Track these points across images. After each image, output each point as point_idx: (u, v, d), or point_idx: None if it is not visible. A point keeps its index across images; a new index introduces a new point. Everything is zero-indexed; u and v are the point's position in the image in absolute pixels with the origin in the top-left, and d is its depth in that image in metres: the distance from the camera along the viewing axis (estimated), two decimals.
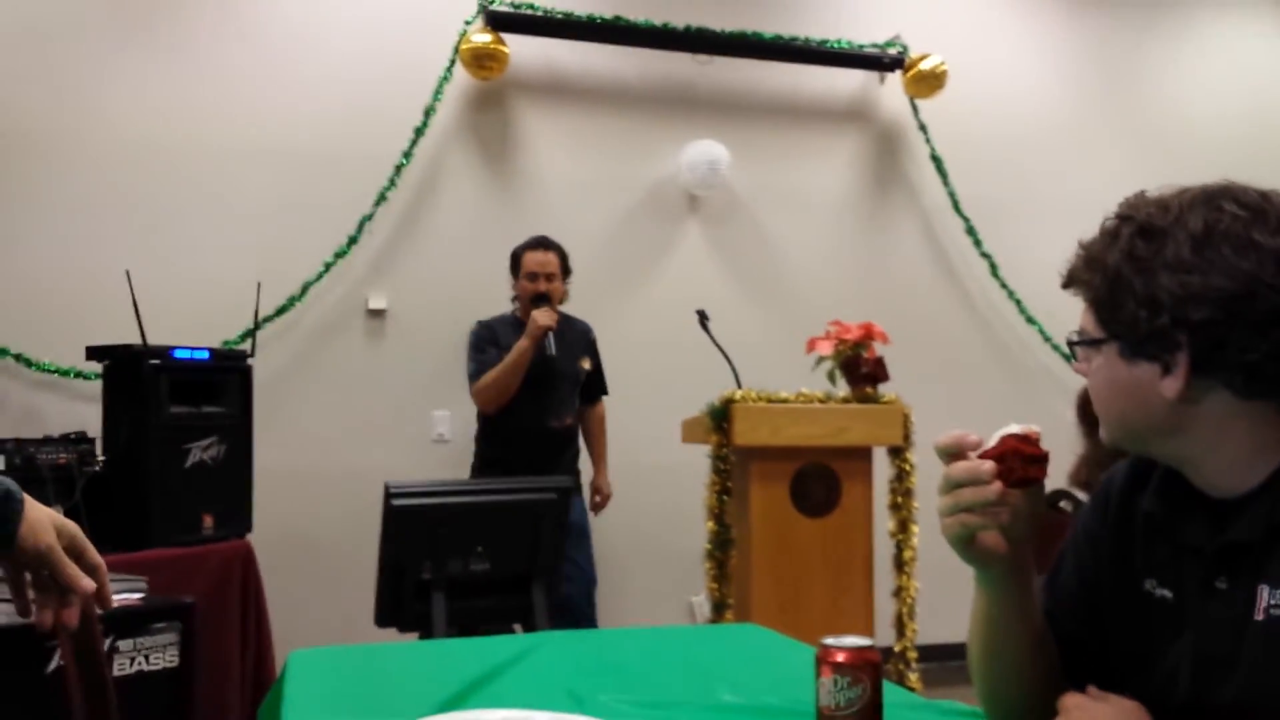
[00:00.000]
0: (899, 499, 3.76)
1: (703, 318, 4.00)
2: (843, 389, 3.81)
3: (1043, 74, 5.83)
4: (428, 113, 4.83)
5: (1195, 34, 6.10)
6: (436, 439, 4.83)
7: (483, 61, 4.83)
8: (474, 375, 4.09)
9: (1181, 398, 1.10)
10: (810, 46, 5.29)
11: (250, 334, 4.05)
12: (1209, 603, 1.12)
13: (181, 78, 4.60)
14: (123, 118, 4.52)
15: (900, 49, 5.39)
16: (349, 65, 4.80)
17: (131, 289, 3.53)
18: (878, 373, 3.78)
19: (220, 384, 3.65)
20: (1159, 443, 1.16)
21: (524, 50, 4.97)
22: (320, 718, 1.54)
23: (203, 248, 4.57)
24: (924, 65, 5.33)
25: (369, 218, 4.75)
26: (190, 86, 4.61)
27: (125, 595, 2.73)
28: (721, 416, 3.60)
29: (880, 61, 5.41)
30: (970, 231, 5.55)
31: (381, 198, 4.77)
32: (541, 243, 4.16)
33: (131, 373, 3.51)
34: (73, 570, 1.21)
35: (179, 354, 3.55)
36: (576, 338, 4.22)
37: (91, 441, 3.52)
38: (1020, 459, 1.13)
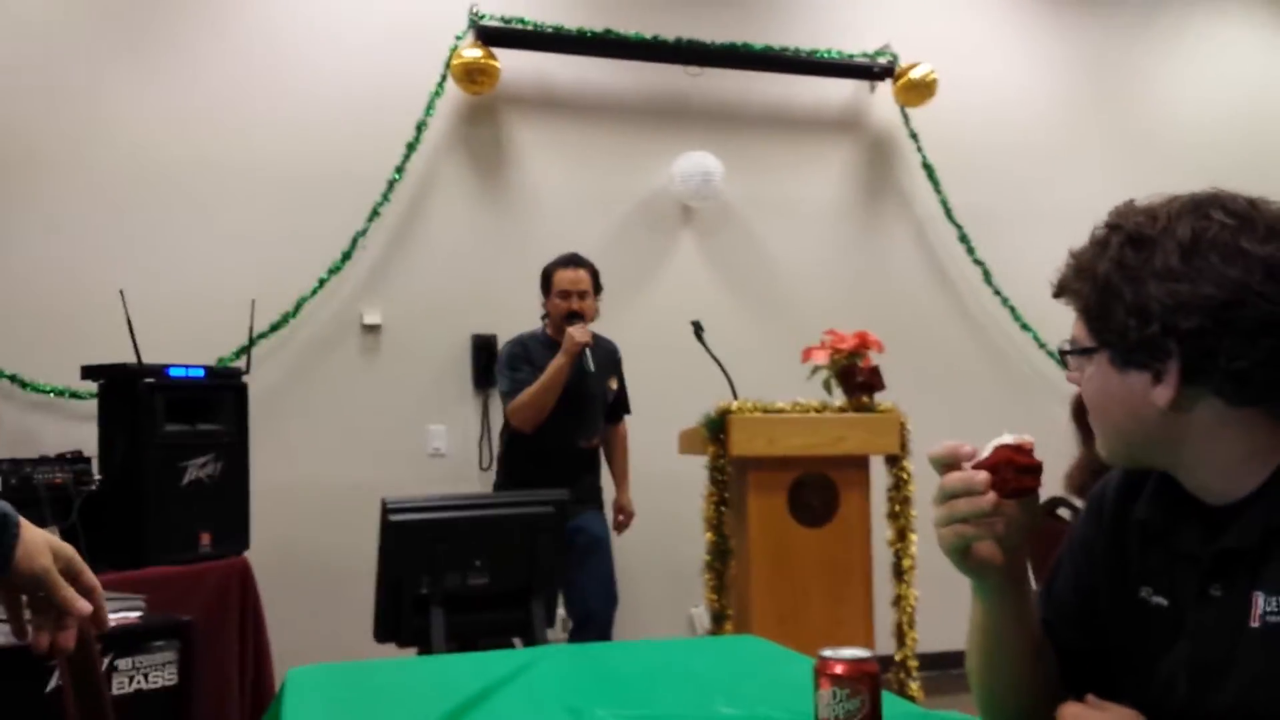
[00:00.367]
0: (897, 507, 3.76)
1: (698, 329, 4.01)
2: (839, 398, 3.81)
3: (1033, 81, 5.85)
4: (420, 128, 4.84)
5: (1186, 41, 6.12)
6: (433, 453, 4.83)
7: (474, 76, 4.84)
8: (509, 393, 4.02)
9: (1173, 406, 1.10)
10: (801, 57, 5.31)
11: (245, 351, 4.05)
12: (1205, 610, 1.12)
13: (175, 95, 4.61)
14: (117, 136, 4.53)
15: (890, 58, 5.41)
16: (342, 81, 4.81)
17: (125, 308, 3.53)
18: (873, 381, 3.78)
19: (216, 401, 3.65)
20: (1151, 451, 1.16)
21: (515, 64, 4.98)
22: None
23: (197, 265, 4.57)
24: (914, 74, 5.35)
25: (363, 233, 4.75)
26: (184, 104, 4.61)
27: (123, 614, 2.72)
28: (718, 427, 3.60)
29: (871, 71, 5.43)
30: (963, 239, 5.56)
31: (375, 213, 4.77)
32: (573, 260, 4.12)
33: (127, 392, 3.51)
34: (69, 593, 1.21)
35: (174, 372, 3.56)
36: (605, 357, 4.17)
37: (88, 461, 3.52)
38: (1014, 469, 1.14)
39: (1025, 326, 5.58)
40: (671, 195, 5.22)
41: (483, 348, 4.84)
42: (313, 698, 1.76)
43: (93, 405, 3.75)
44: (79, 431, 3.96)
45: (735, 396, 3.75)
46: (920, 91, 5.37)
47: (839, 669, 1.19)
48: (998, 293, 5.58)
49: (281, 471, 4.42)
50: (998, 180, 5.67)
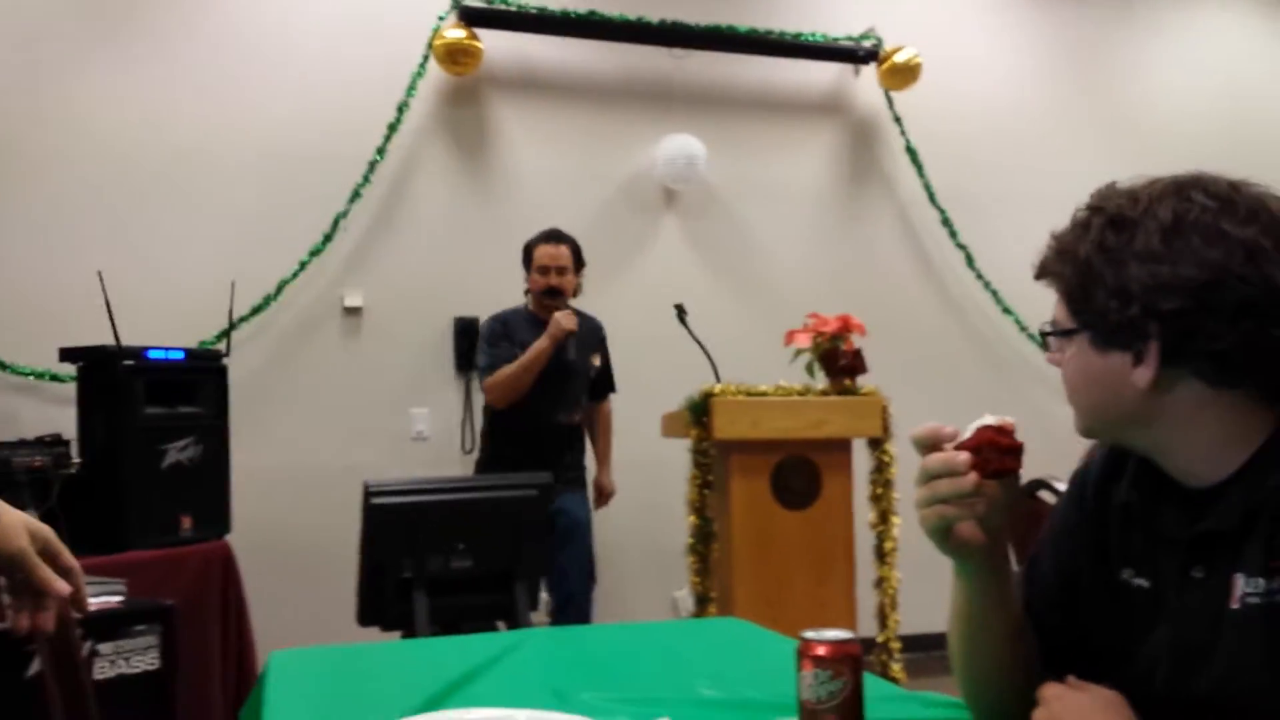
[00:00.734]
0: (879, 490, 3.78)
1: (681, 312, 4.01)
2: (821, 381, 3.82)
3: (1017, 65, 5.86)
4: (401, 109, 4.82)
5: (1169, 25, 6.14)
6: (415, 436, 4.82)
7: (456, 57, 4.81)
8: (486, 369, 4.03)
9: (1153, 387, 1.11)
10: (785, 40, 5.30)
11: (226, 334, 4.03)
12: (1185, 592, 1.12)
13: (153, 77, 4.57)
14: (95, 118, 4.49)
15: (875, 42, 5.40)
16: (322, 62, 4.78)
17: (104, 289, 3.50)
18: (856, 365, 3.80)
19: (196, 384, 3.64)
20: (1132, 432, 1.16)
21: (498, 45, 4.95)
22: (301, 718, 1.53)
23: (177, 248, 4.54)
24: (898, 58, 5.34)
25: (344, 215, 4.73)
26: (162, 86, 4.58)
27: (104, 598, 2.72)
28: (701, 410, 3.61)
29: (855, 54, 5.42)
30: (946, 223, 5.58)
31: (356, 195, 4.75)
32: (553, 235, 4.13)
33: (106, 374, 3.49)
34: (47, 574, 1.20)
35: (154, 355, 3.54)
36: (588, 334, 4.18)
37: (67, 444, 3.50)
38: (995, 450, 1.14)
39: (1007, 310, 5.60)
40: (655, 178, 5.21)
41: (465, 330, 4.82)
42: (295, 681, 1.75)
43: (73, 388, 3.72)
44: (59, 414, 3.94)
45: (718, 379, 3.76)
46: (904, 75, 5.37)
47: (821, 650, 1.19)
48: (980, 276, 5.60)
49: (263, 455, 4.40)
50: (981, 164, 5.68)
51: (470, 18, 4.86)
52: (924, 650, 3.97)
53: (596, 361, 4.22)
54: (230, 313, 4.00)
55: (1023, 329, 5.56)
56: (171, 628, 2.76)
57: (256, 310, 4.57)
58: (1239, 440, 1.11)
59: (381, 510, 2.72)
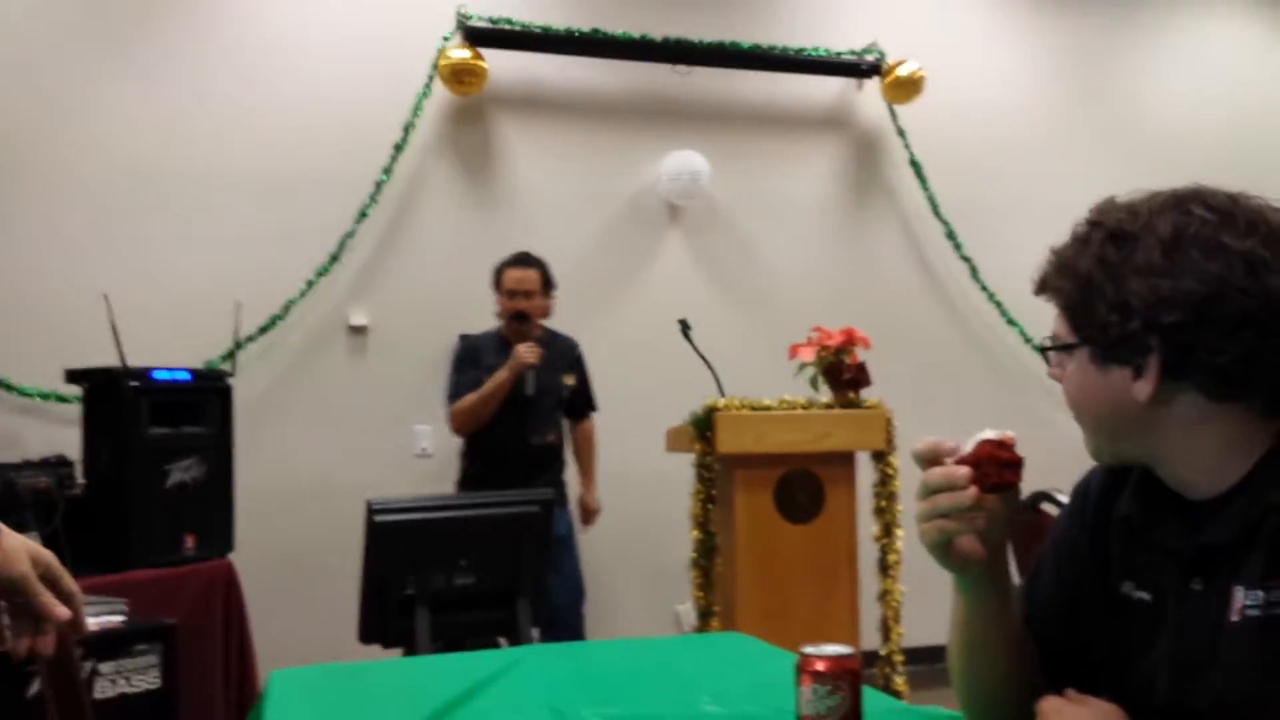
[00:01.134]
0: (882, 503, 3.76)
1: (685, 327, 4.00)
2: (825, 395, 3.81)
3: (1020, 77, 5.86)
4: (407, 129, 4.83)
5: (1171, 36, 6.14)
6: (419, 454, 4.82)
7: (461, 77, 4.83)
8: (451, 396, 4.11)
9: (1153, 401, 1.10)
10: (788, 55, 5.31)
11: (231, 354, 4.03)
12: (1186, 605, 1.12)
13: (159, 96, 4.59)
14: (102, 139, 4.51)
15: (877, 55, 5.41)
16: (328, 83, 4.79)
17: (110, 311, 3.51)
18: (860, 378, 3.78)
19: (200, 404, 3.64)
20: (1133, 446, 1.16)
21: (502, 65, 4.97)
22: None
23: (183, 268, 4.55)
24: (901, 71, 5.35)
25: (350, 235, 4.74)
26: (171, 107, 4.60)
27: (106, 618, 2.71)
28: (705, 425, 3.60)
29: (858, 68, 5.43)
30: (950, 235, 5.57)
31: (363, 215, 4.76)
32: (521, 260, 4.15)
33: (111, 395, 3.49)
34: (47, 598, 1.20)
35: (158, 375, 3.54)
36: (560, 354, 4.21)
37: (71, 465, 3.50)
38: (996, 464, 1.14)
39: (1011, 322, 5.59)
40: (659, 194, 5.22)
41: None
42: (296, 700, 1.75)
43: (77, 408, 3.72)
44: (64, 435, 3.93)
45: (722, 394, 3.75)
46: (907, 88, 5.38)
47: (820, 666, 1.19)
48: (984, 288, 5.59)
49: (268, 473, 4.40)
50: (984, 176, 5.67)
51: (475, 38, 4.88)
52: (928, 663, 3.95)
53: (570, 381, 4.23)
54: (236, 333, 4.01)
55: (1027, 341, 5.55)
56: (173, 647, 2.75)
57: (263, 330, 4.58)
58: (1239, 453, 1.10)
59: (384, 527, 2.71)
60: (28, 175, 4.41)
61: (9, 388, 4.29)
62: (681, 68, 5.22)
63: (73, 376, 3.65)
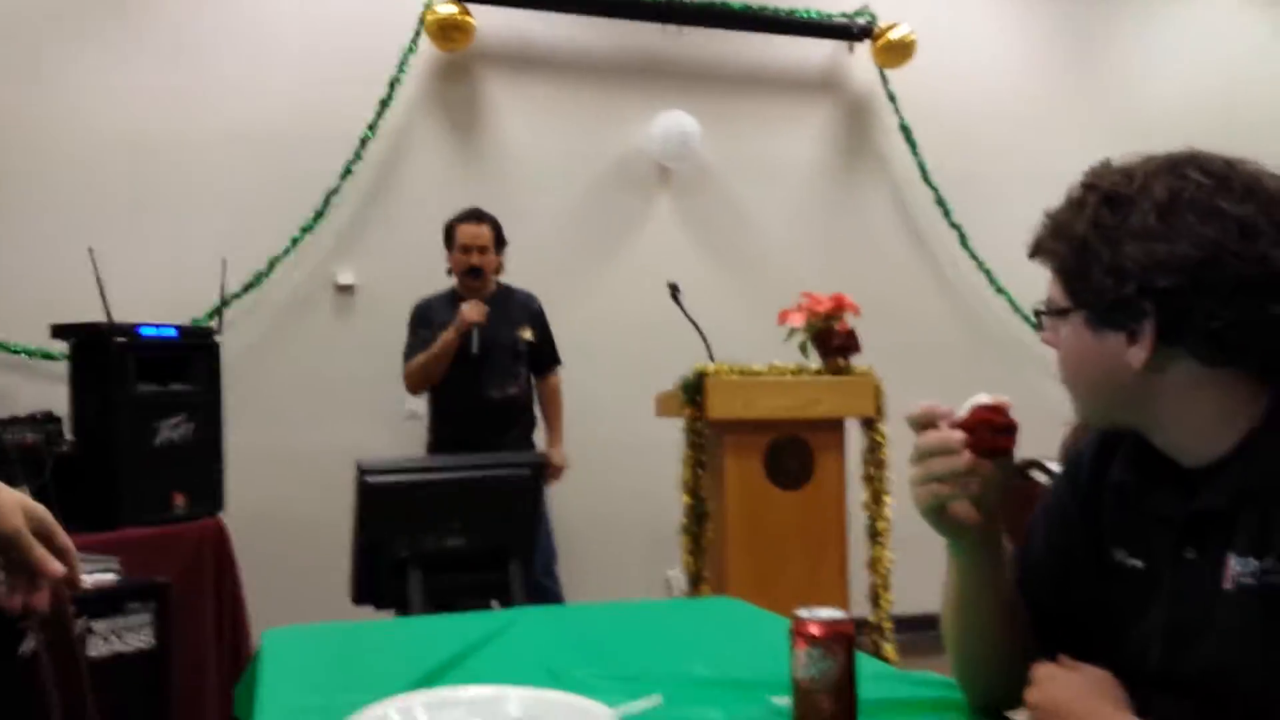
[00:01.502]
0: (872, 470, 3.78)
1: (674, 290, 4.00)
2: (815, 361, 3.82)
3: (1011, 43, 5.84)
4: (393, 85, 4.79)
5: (1163, 6, 6.12)
6: (408, 415, 4.80)
7: (448, 33, 4.78)
8: (406, 357, 4.15)
9: (1148, 366, 1.10)
10: (780, 16, 5.27)
11: (217, 311, 4.01)
12: (1179, 572, 1.13)
13: (144, 56, 4.53)
14: (86, 97, 4.45)
15: (869, 18, 5.38)
16: (314, 38, 4.74)
17: (95, 266, 3.48)
18: (849, 344, 3.79)
19: (188, 361, 3.63)
20: (1126, 412, 1.16)
21: (491, 21, 4.92)
22: (295, 696, 1.53)
23: (168, 225, 4.52)
24: (893, 35, 5.32)
25: (335, 192, 4.71)
26: (154, 64, 4.54)
27: (98, 576, 2.71)
28: (695, 390, 3.60)
29: (849, 31, 5.40)
30: (940, 202, 5.57)
31: (347, 172, 4.73)
32: (474, 215, 4.16)
33: (98, 351, 3.48)
34: (41, 553, 1.20)
35: (145, 332, 3.52)
36: (516, 307, 4.21)
37: (59, 421, 3.49)
38: (990, 429, 1.14)
39: (1001, 290, 5.60)
40: (648, 155, 5.19)
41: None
42: (289, 659, 1.75)
43: (65, 365, 3.71)
44: (51, 391, 3.92)
45: (712, 359, 3.75)
46: (899, 52, 5.35)
47: (814, 630, 1.20)
48: (973, 256, 5.60)
49: (256, 433, 4.39)
50: (975, 142, 5.66)
51: None
52: (916, 630, 3.99)
53: (527, 334, 4.21)
54: (222, 290, 3.98)
55: (1016, 309, 5.56)
56: (166, 605, 2.76)
57: (249, 288, 4.56)
58: (1233, 419, 1.11)
59: (375, 489, 2.71)
60: (12, 137, 4.35)
61: None
62: (672, 28, 5.18)
63: (59, 332, 3.63)
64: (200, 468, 3.57)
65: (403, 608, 2.79)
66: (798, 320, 3.79)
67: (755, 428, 3.63)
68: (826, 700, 1.18)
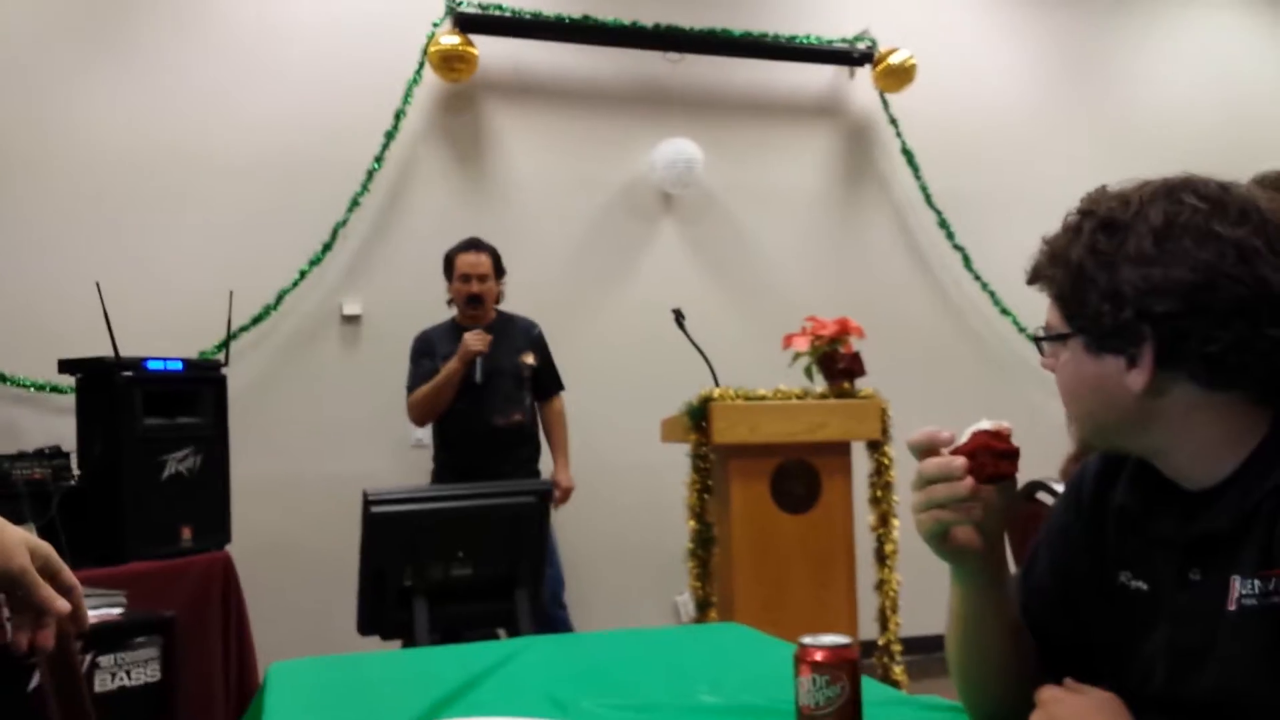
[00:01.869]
0: (879, 493, 3.77)
1: (679, 316, 4.01)
2: (820, 385, 3.82)
3: (1012, 65, 5.86)
4: (398, 116, 4.82)
5: (1163, 25, 6.15)
6: (415, 444, 4.81)
7: (452, 64, 4.82)
8: (409, 389, 4.15)
9: (1147, 390, 1.10)
10: (780, 43, 5.31)
11: (225, 344, 4.03)
12: (1183, 594, 1.12)
13: (151, 88, 4.57)
14: (93, 129, 4.49)
15: (869, 43, 5.41)
16: (318, 70, 4.78)
17: (102, 300, 3.50)
18: (854, 368, 3.80)
19: (195, 394, 3.64)
20: (1127, 436, 1.16)
21: (493, 51, 4.96)
22: None
23: (176, 257, 4.54)
24: (893, 59, 5.35)
25: (343, 223, 4.73)
26: (161, 96, 4.58)
27: (105, 610, 2.71)
28: (700, 415, 3.61)
29: (850, 56, 5.43)
30: (943, 224, 5.58)
31: (355, 203, 4.75)
32: (473, 244, 4.19)
33: (105, 385, 3.49)
34: (47, 592, 1.20)
35: (152, 365, 3.54)
36: (518, 334, 4.23)
37: (66, 456, 3.50)
38: (991, 455, 1.14)
39: (1005, 311, 5.60)
40: (651, 182, 5.21)
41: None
42: (295, 692, 1.75)
43: (73, 398, 3.72)
44: (59, 425, 3.94)
45: (717, 384, 3.76)
46: (899, 77, 5.38)
47: (818, 656, 1.20)
48: (977, 278, 5.60)
49: (263, 464, 4.40)
50: (977, 165, 5.68)
51: (465, 24, 4.87)
52: (925, 652, 3.97)
53: (530, 360, 4.22)
54: (229, 322, 4.00)
55: (1021, 330, 5.56)
56: (172, 639, 2.75)
57: (256, 320, 4.57)
58: (1235, 442, 1.10)
59: (381, 519, 2.71)
60: (19, 168, 4.39)
61: (5, 379, 4.28)
62: (673, 55, 5.21)
63: (66, 366, 3.65)
64: (207, 500, 3.58)
65: (409, 638, 2.79)
66: (802, 344, 3.80)
67: (761, 452, 3.63)
68: None
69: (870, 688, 1.31)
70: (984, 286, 5.60)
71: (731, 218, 5.37)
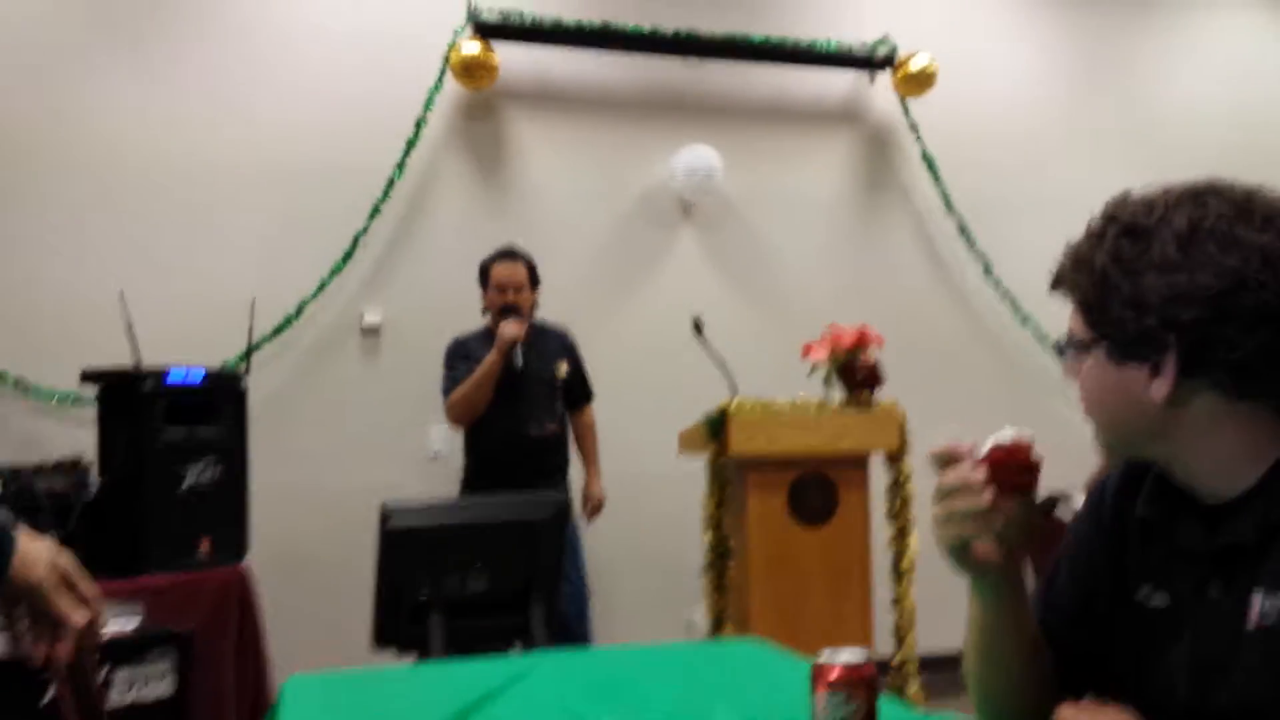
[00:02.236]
0: (897, 506, 3.73)
1: (698, 325, 3.99)
2: (839, 394, 3.79)
3: (1033, 70, 5.82)
4: (419, 124, 4.82)
5: (1185, 29, 6.10)
6: (433, 456, 4.81)
7: (473, 72, 4.82)
8: (445, 391, 4.11)
9: (1170, 400, 1.09)
10: (800, 48, 5.28)
11: (246, 355, 4.04)
12: (1204, 608, 1.11)
13: (171, 97, 4.59)
14: (114, 137, 4.51)
15: (889, 48, 5.38)
16: (339, 78, 4.79)
17: (126, 311, 3.51)
18: (873, 378, 3.76)
19: (215, 406, 3.63)
20: (1149, 445, 1.15)
21: (514, 59, 4.96)
22: None
23: (198, 266, 4.55)
24: (913, 65, 5.32)
25: (364, 232, 4.74)
26: (181, 104, 4.60)
27: (120, 624, 2.71)
28: (718, 426, 3.58)
29: (870, 61, 5.40)
30: (963, 231, 5.54)
31: (375, 212, 4.76)
32: (508, 254, 4.17)
33: (126, 396, 3.49)
34: (65, 603, 1.21)
35: (174, 376, 3.53)
36: (551, 343, 4.22)
37: (87, 468, 3.51)
38: (1013, 467, 1.13)
39: (1026, 319, 5.55)
40: (671, 189, 5.20)
41: None
42: (312, 706, 1.75)
43: (94, 409, 3.73)
44: (83, 435, 3.95)
45: (735, 394, 3.73)
46: (920, 82, 5.35)
47: (835, 674, 1.18)
48: (998, 285, 5.56)
49: (281, 474, 4.40)
50: (998, 171, 5.64)
51: (486, 31, 4.87)
52: (942, 670, 3.93)
53: (563, 369, 4.21)
54: (250, 333, 4.01)
55: (1041, 338, 5.51)
56: (187, 654, 2.75)
57: (277, 330, 4.58)
58: (1258, 453, 1.09)
59: (398, 532, 2.70)
60: (41, 176, 4.42)
61: (28, 389, 4.30)
62: (693, 61, 5.20)
63: (88, 377, 3.66)
64: (226, 512, 3.57)
65: (424, 651, 2.78)
66: (821, 354, 3.77)
67: (778, 464, 3.60)
68: None
69: (888, 704, 1.29)
70: (1004, 294, 5.56)
71: (751, 225, 5.35)
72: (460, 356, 4.11)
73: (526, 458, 4.04)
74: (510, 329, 3.94)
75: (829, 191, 5.48)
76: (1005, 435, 1.15)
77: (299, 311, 4.63)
